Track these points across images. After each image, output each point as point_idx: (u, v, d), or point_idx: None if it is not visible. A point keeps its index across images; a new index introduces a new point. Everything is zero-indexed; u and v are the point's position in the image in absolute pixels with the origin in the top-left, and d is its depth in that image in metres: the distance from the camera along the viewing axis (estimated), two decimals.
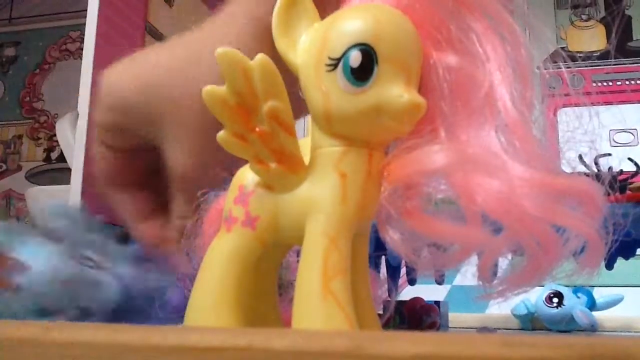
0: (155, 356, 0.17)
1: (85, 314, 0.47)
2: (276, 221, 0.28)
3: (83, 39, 0.76)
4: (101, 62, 0.76)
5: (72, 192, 0.71)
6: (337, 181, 0.26)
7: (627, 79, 1.04)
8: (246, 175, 0.29)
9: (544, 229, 0.24)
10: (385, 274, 0.83)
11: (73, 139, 0.76)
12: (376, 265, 0.84)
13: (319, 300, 0.24)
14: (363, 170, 0.26)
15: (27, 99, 1.38)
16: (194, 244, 0.33)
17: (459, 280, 1.01)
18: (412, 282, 0.82)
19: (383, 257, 0.81)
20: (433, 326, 0.80)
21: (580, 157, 0.77)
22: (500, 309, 0.98)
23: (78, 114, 0.74)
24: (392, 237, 0.28)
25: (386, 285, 0.83)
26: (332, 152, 0.26)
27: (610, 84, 1.03)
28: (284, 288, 0.34)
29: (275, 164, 0.26)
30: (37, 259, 0.47)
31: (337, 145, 0.26)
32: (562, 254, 0.25)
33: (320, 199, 0.26)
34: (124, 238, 0.77)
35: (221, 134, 0.26)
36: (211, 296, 0.28)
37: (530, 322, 0.89)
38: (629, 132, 1.01)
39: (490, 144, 0.25)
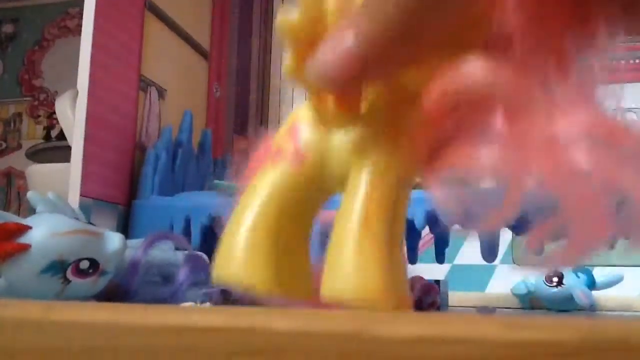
0: (156, 336, 0.17)
1: (95, 266, 0.47)
2: (324, 161, 0.27)
3: (82, 15, 0.75)
4: (100, 39, 0.76)
5: (72, 170, 0.70)
6: (389, 128, 0.26)
7: (631, 57, 1.03)
8: (302, 112, 0.29)
9: (594, 190, 0.20)
10: None
11: (73, 116, 0.75)
12: None
13: (355, 243, 0.24)
14: (415, 118, 0.26)
15: (27, 76, 1.37)
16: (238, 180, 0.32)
17: (459, 259, 1.01)
18: (412, 261, 0.82)
19: None
20: (433, 305, 0.81)
21: None
22: (501, 287, 0.98)
23: (77, 92, 0.73)
24: (438, 192, 0.27)
25: None
26: (385, 100, 0.26)
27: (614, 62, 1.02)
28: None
29: (334, 102, 0.26)
30: (37, 221, 0.47)
31: (392, 92, 0.26)
32: (613, 227, 0.21)
33: (371, 143, 0.26)
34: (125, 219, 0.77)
35: (286, 63, 0.25)
36: (246, 229, 0.27)
37: (529, 302, 0.89)
38: (632, 112, 1.01)
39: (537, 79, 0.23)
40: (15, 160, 1.33)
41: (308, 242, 0.31)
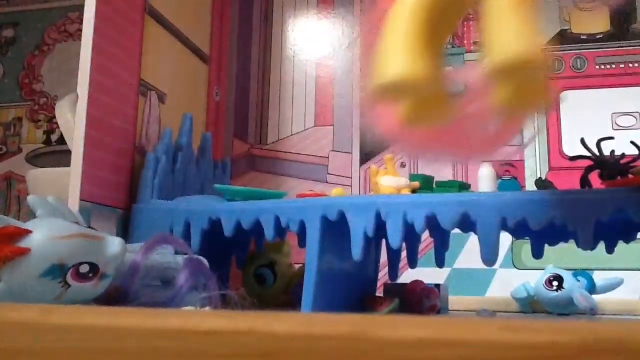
0: (156, 339, 0.17)
1: (95, 270, 0.47)
2: None
3: (82, 20, 0.75)
4: (100, 44, 0.76)
5: (72, 174, 0.70)
6: None
7: (630, 62, 1.03)
8: None
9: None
10: (387, 257, 0.83)
11: (73, 120, 0.75)
12: (377, 249, 0.84)
13: (514, 16, 0.28)
14: None
15: (27, 80, 1.38)
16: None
17: (459, 263, 1.01)
18: (412, 265, 0.82)
19: (383, 241, 0.82)
20: (433, 309, 0.81)
21: (582, 140, 0.77)
22: (500, 291, 0.98)
23: (77, 96, 0.73)
24: None
25: (387, 269, 0.83)
26: None
27: (614, 66, 1.02)
28: None
29: None
30: (37, 225, 0.47)
31: None
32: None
33: None
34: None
35: None
36: (399, 30, 0.31)
37: (529, 305, 0.89)
38: (632, 115, 1.01)
39: None
40: (15, 164, 1.33)
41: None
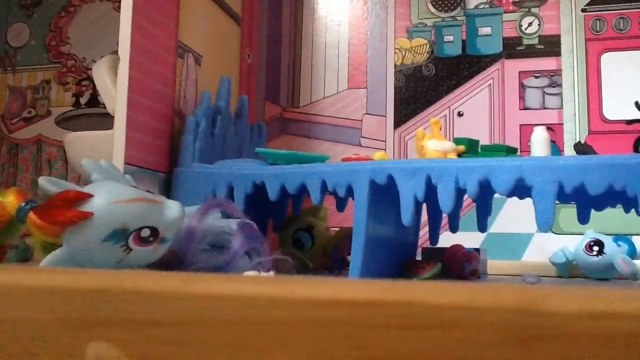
0: (308, 309, 0.17)
1: (156, 234, 0.47)
2: None
3: None
4: (139, 5, 0.74)
5: (115, 137, 0.70)
6: None
7: None
8: None
9: None
10: (427, 221, 0.83)
11: (110, 82, 0.75)
12: (417, 213, 0.84)
13: None
14: None
15: (54, 42, 1.36)
16: None
17: (494, 227, 1.01)
18: (454, 229, 0.82)
19: (425, 205, 0.81)
20: (474, 273, 0.80)
21: (637, 103, 0.75)
22: (537, 256, 0.98)
23: (115, 57, 0.72)
24: None
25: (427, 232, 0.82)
26: None
27: None
28: None
29: None
30: (97, 189, 0.47)
31: None
32: None
33: None
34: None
35: None
36: None
37: (568, 270, 0.89)
38: None
39: None
40: (45, 127, 1.33)
41: None
